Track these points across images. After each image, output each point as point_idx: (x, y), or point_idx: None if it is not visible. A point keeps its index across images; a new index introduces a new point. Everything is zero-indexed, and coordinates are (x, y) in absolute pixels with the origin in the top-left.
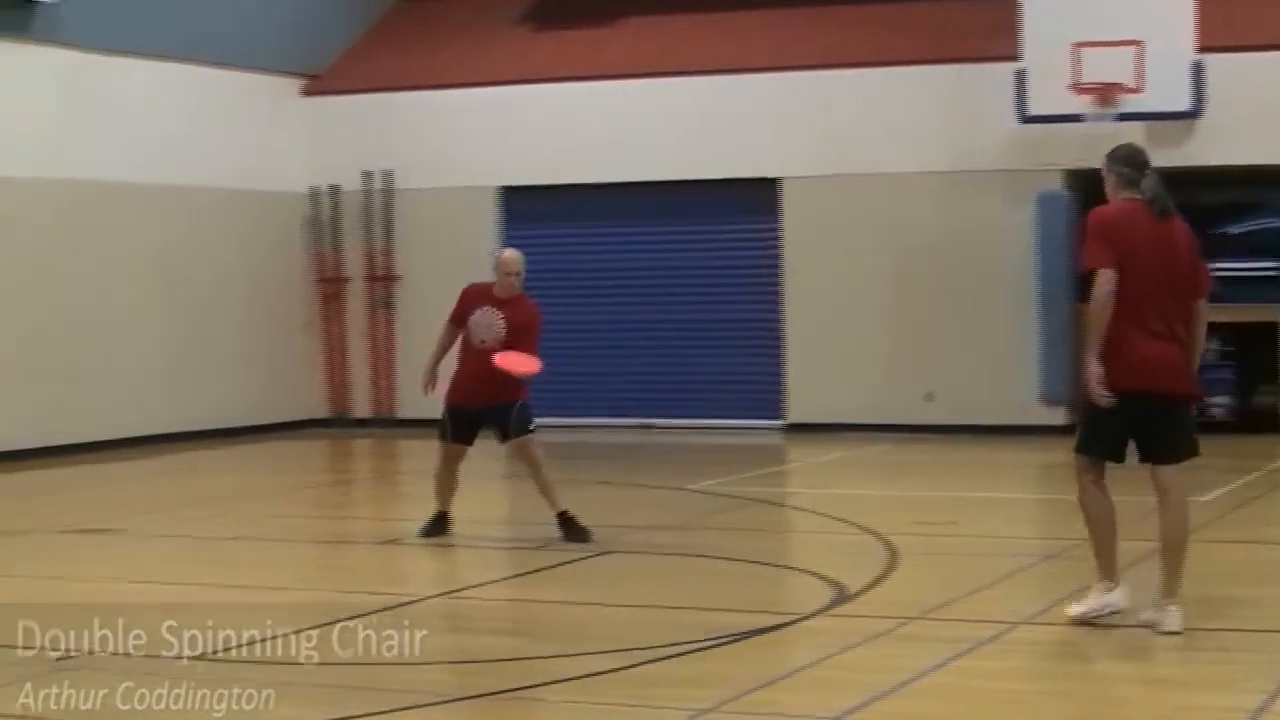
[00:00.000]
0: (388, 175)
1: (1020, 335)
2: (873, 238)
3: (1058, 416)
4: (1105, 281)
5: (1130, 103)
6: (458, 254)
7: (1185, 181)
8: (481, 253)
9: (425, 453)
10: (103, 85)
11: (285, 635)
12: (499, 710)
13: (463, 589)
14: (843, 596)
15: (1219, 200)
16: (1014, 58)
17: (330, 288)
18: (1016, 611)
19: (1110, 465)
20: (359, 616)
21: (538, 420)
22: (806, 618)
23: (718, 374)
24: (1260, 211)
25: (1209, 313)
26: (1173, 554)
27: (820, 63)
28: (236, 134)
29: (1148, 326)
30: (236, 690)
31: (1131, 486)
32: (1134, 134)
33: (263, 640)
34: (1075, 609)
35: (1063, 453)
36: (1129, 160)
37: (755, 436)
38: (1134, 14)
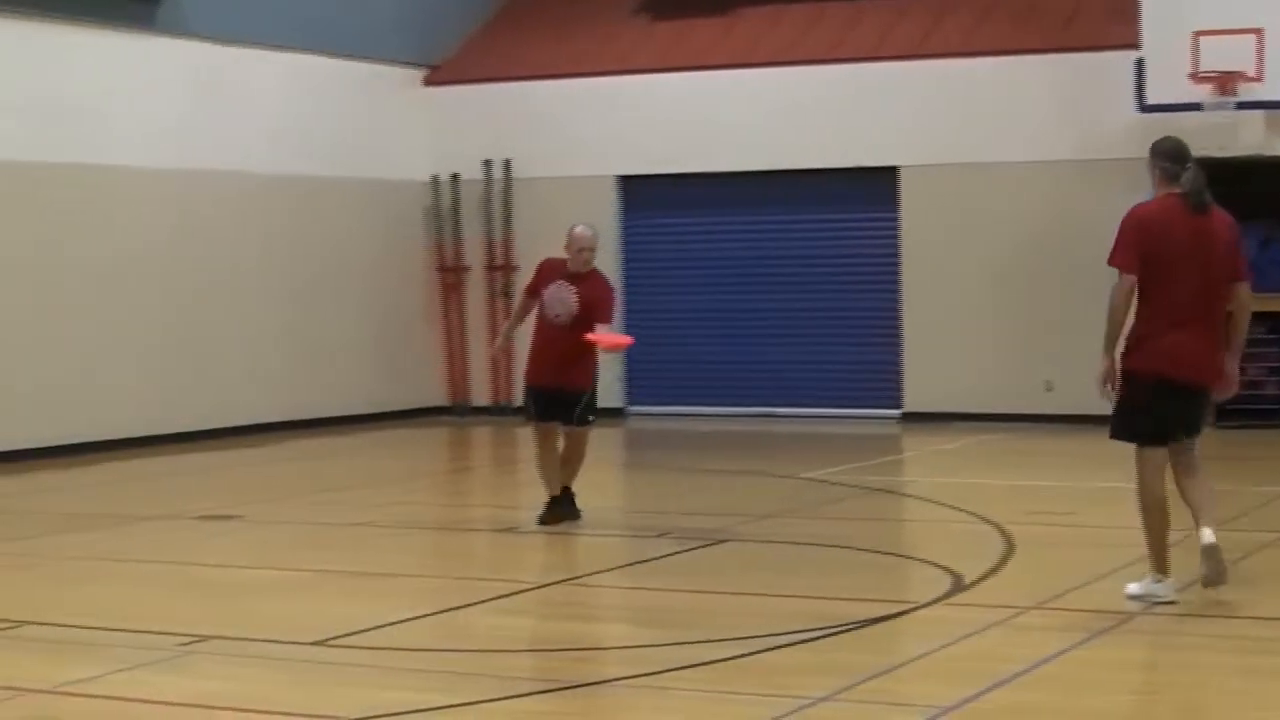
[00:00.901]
0: (508, 164)
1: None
2: (991, 226)
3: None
4: (1123, 282)
5: (1250, 91)
6: None
7: None
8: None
9: None
10: (227, 77)
11: (404, 621)
12: (616, 697)
13: (581, 576)
14: (959, 585)
15: None
16: (1134, 46)
17: (450, 277)
18: (1134, 602)
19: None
20: (478, 603)
21: (653, 409)
22: (923, 607)
23: (835, 363)
24: None
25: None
26: (1202, 505)
27: (939, 51)
28: (359, 124)
29: (1177, 318)
30: (356, 675)
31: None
32: (1253, 123)
33: (382, 626)
34: (1130, 587)
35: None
36: (1171, 155)
37: (872, 425)
38: (1254, 2)
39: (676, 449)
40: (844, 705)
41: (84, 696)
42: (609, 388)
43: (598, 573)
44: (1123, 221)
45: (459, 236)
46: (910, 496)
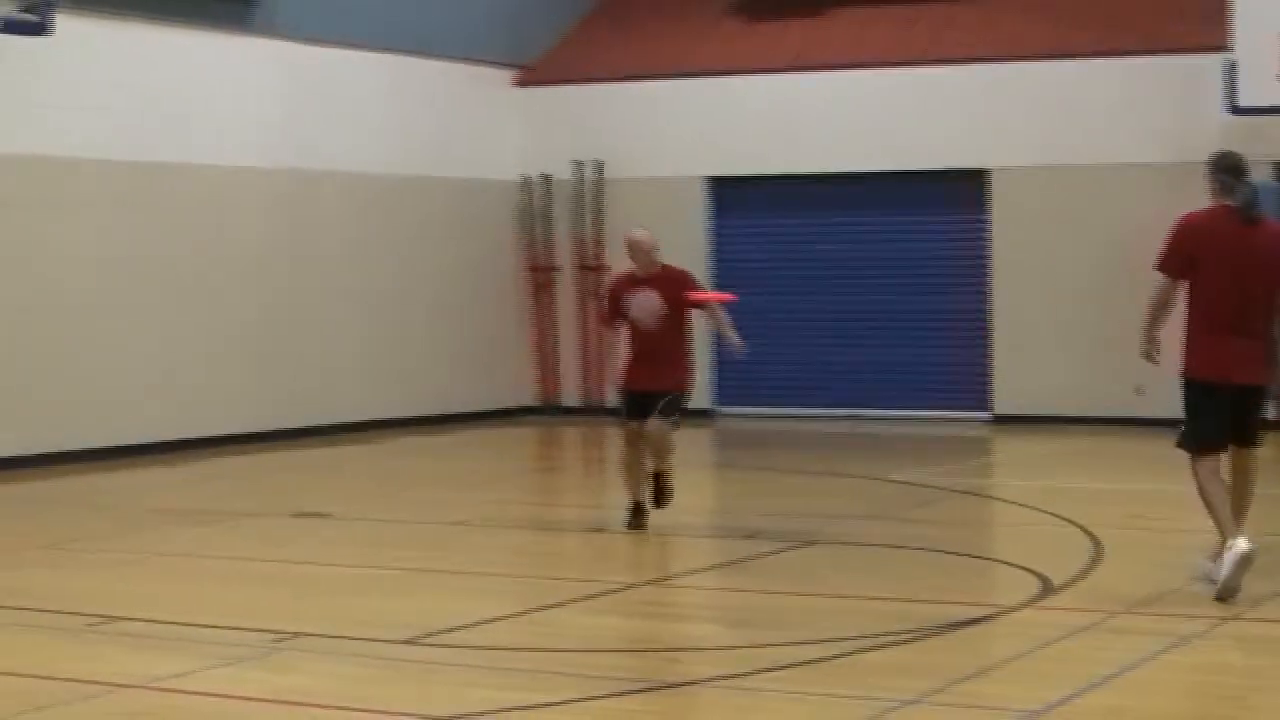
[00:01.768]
0: (598, 165)
1: None
2: (1081, 229)
3: (1268, 411)
4: (1161, 286)
5: None
6: (666, 244)
7: None
8: (691, 242)
9: None
10: (319, 77)
11: (494, 620)
12: (703, 697)
13: (669, 576)
14: (1049, 589)
15: None
16: (1225, 48)
17: (541, 277)
18: (1225, 606)
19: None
20: (567, 602)
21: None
22: (1012, 610)
23: (924, 364)
24: None
25: None
26: (1241, 509)
27: (1030, 54)
28: (451, 124)
29: (1223, 322)
30: (445, 672)
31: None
32: None
33: (471, 624)
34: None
35: (1272, 448)
36: (1230, 169)
37: (961, 427)
38: None
39: (765, 450)
40: (933, 708)
41: (177, 692)
42: (698, 389)
43: (687, 573)
44: (1172, 228)
45: (550, 236)
46: (998, 499)
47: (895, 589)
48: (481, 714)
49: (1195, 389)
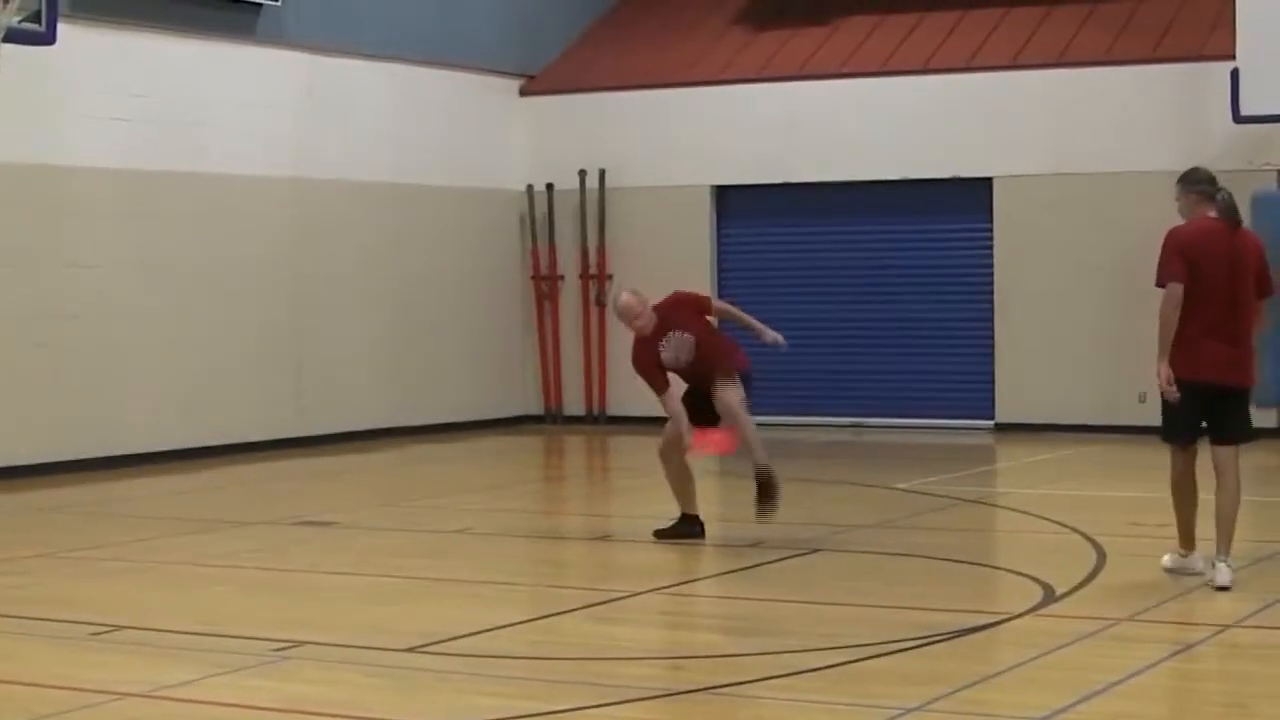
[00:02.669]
0: (602, 174)
1: None
2: (1085, 237)
3: (1270, 419)
4: (1173, 295)
5: None
6: (671, 253)
7: None
8: (695, 251)
9: (636, 449)
10: (326, 86)
11: (499, 628)
12: (711, 705)
13: (675, 584)
14: (1052, 596)
15: None
16: (1229, 57)
17: (544, 285)
18: (1228, 614)
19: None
20: (572, 610)
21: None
22: (1016, 617)
23: (928, 373)
24: None
25: None
26: (1225, 523)
27: (1035, 62)
28: (456, 133)
29: (1213, 327)
30: (450, 681)
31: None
32: None
33: (476, 632)
34: (1165, 559)
35: (1276, 455)
36: (1207, 180)
37: (965, 436)
38: None
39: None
40: (937, 715)
41: (181, 700)
42: None
43: (692, 581)
44: (1167, 241)
45: (553, 245)
46: (1002, 508)
47: (899, 597)
48: None
49: (1186, 390)
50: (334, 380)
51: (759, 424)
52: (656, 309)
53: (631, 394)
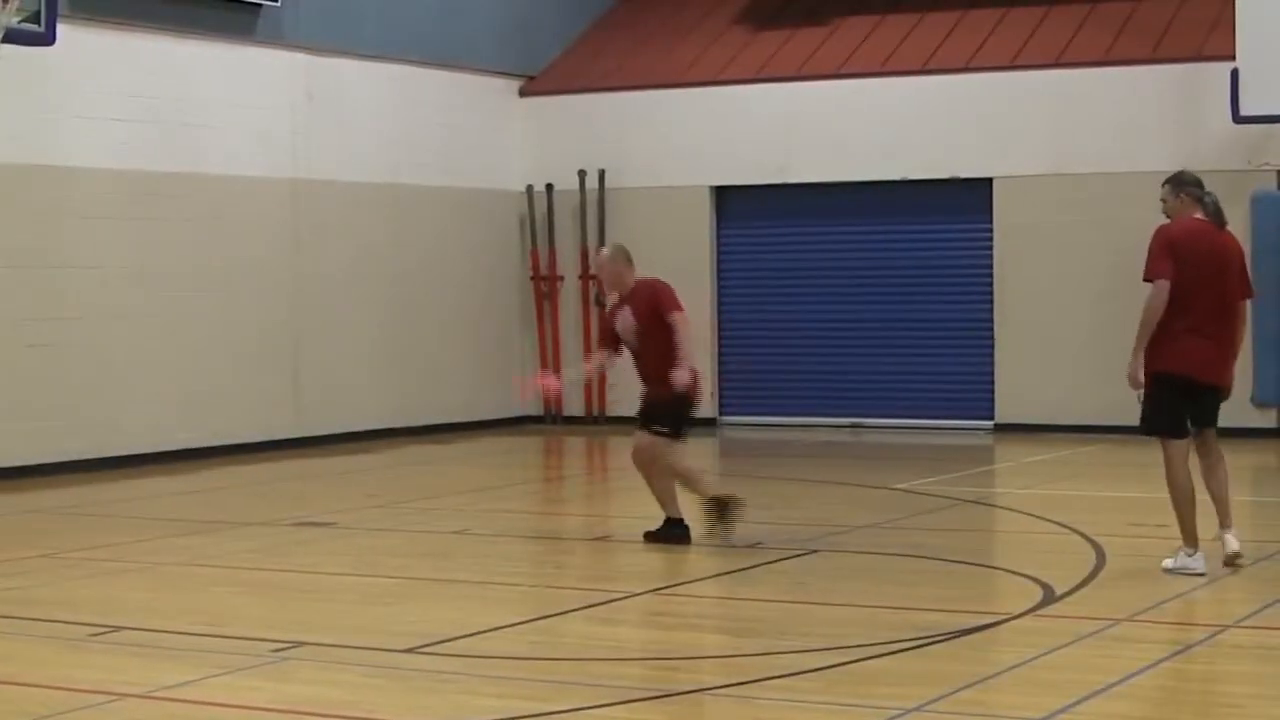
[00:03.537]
0: (602, 174)
1: None
2: (1085, 238)
3: (1269, 419)
4: (1160, 291)
5: None
6: (671, 253)
7: None
8: (695, 251)
9: None
10: (326, 86)
11: (497, 628)
12: (708, 706)
13: (674, 585)
14: (1051, 597)
15: None
16: (1229, 57)
17: (544, 286)
18: (1228, 615)
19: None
20: (571, 611)
21: (745, 419)
22: (1015, 618)
23: (927, 374)
24: None
25: None
26: (1222, 500)
27: (1035, 63)
28: (456, 133)
29: (1195, 326)
30: (449, 681)
31: None
32: None
33: (475, 633)
34: (1165, 561)
35: (1275, 455)
36: (1196, 183)
37: (964, 436)
38: None
39: (768, 459)
40: (936, 715)
41: (180, 701)
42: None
43: (690, 581)
44: (1156, 239)
45: (553, 246)
46: (1002, 508)
47: (898, 597)
48: None
49: (1164, 383)
50: (333, 381)
51: (752, 424)
52: (639, 285)
53: (631, 394)
